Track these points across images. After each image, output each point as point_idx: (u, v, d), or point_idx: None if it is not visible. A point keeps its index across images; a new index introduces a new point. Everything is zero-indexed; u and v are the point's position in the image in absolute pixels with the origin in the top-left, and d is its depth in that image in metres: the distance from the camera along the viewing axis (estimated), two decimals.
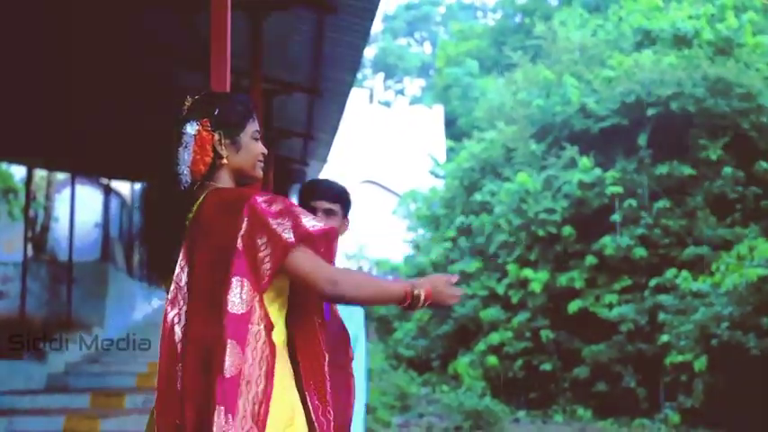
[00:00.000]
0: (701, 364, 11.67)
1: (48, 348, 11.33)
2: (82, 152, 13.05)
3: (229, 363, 2.30)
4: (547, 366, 14.51)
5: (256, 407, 2.29)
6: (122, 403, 9.48)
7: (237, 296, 2.33)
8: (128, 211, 19.60)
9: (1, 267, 13.26)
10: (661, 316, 12.88)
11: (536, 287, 14.71)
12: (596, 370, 13.88)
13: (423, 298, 2.44)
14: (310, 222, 2.37)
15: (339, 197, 3.42)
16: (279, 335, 2.42)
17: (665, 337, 12.61)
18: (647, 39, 16.57)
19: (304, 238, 2.34)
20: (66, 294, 13.06)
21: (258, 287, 2.34)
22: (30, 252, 14.56)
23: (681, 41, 15.80)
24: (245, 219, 2.34)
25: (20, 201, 16.30)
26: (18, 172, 16.90)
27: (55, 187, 17.43)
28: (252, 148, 2.57)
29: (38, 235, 16.46)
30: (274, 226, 2.32)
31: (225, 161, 2.51)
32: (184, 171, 2.47)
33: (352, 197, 3.54)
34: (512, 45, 24.49)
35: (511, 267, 15.30)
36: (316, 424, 2.45)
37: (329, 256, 2.42)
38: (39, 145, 12.59)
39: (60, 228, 16.72)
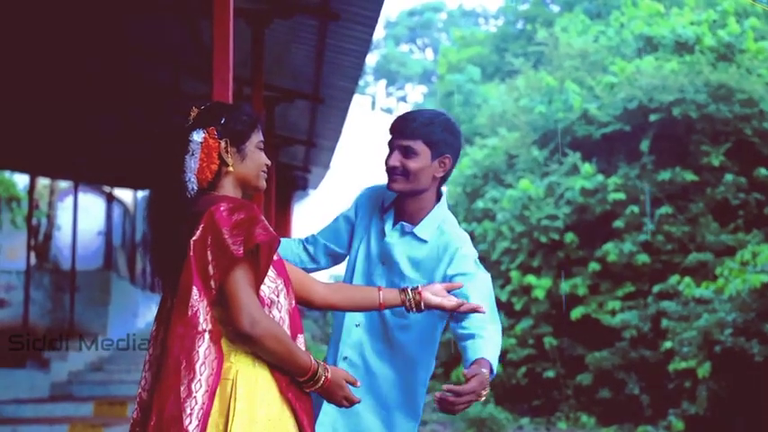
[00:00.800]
0: (704, 370, 11.64)
1: (51, 357, 11.36)
2: (84, 160, 13.09)
3: (168, 369, 2.32)
4: (550, 373, 14.49)
5: (194, 411, 2.29)
6: (125, 412, 9.52)
7: (184, 302, 2.34)
8: (130, 219, 19.63)
9: (4, 276, 13.29)
10: (664, 322, 12.85)
11: (539, 294, 14.70)
12: (600, 377, 13.85)
13: (321, 381, 2.45)
14: (259, 231, 2.35)
15: (418, 132, 2.91)
16: None
17: (668, 344, 12.58)
18: (648, 45, 16.57)
19: (252, 247, 2.33)
20: (69, 303, 13.09)
21: (207, 294, 2.35)
22: (33, 260, 14.60)
23: (682, 47, 15.80)
24: (201, 226, 2.35)
25: (23, 209, 16.35)
26: (21, 180, 16.93)
27: (57, 195, 17.47)
28: (256, 157, 2.60)
29: (41, 243, 16.50)
30: (226, 236, 2.32)
31: (230, 169, 2.54)
32: (191, 178, 2.49)
33: (448, 134, 2.96)
34: (513, 51, 24.52)
35: (514, 274, 15.28)
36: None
37: (265, 266, 2.40)
38: (41, 153, 12.62)
39: (63, 236, 16.76)
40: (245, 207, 2.39)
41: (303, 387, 2.45)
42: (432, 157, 2.92)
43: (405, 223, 3.04)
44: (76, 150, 12.48)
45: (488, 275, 2.98)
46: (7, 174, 16.55)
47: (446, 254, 2.95)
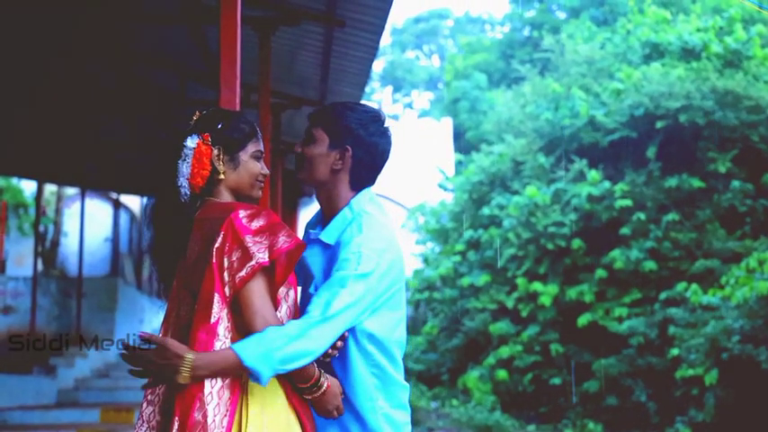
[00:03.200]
0: (711, 377, 11.61)
1: (57, 363, 11.38)
2: (91, 166, 13.11)
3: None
4: (557, 380, 14.46)
5: (218, 418, 2.29)
6: (132, 418, 9.51)
7: (206, 309, 2.35)
8: (137, 225, 19.66)
9: (11, 282, 13.32)
10: (671, 329, 12.83)
11: (545, 301, 14.68)
12: (606, 384, 13.83)
13: (323, 389, 2.45)
14: (283, 239, 2.36)
15: (321, 118, 2.72)
16: None
17: (675, 351, 12.56)
18: (655, 51, 16.57)
19: (278, 256, 2.35)
20: (76, 309, 13.11)
21: (226, 301, 2.36)
22: (40, 267, 14.62)
23: (689, 54, 15.80)
24: (222, 233, 2.35)
25: (30, 216, 16.40)
26: (28, 187, 16.98)
27: (64, 202, 17.50)
28: (251, 167, 2.57)
29: (48, 250, 16.53)
30: (249, 244, 2.33)
31: (222, 177, 2.52)
32: (183, 183, 2.49)
33: (356, 126, 2.69)
34: (520, 58, 24.53)
35: (520, 281, 15.27)
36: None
37: (287, 272, 2.41)
38: (49, 159, 12.65)
39: (70, 242, 16.79)
40: (265, 213, 2.39)
41: (304, 393, 2.46)
42: (329, 146, 2.68)
43: (312, 231, 2.78)
44: (84, 157, 12.51)
45: (350, 275, 2.50)
46: (14, 180, 16.60)
47: (336, 258, 2.59)
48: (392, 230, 2.73)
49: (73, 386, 11.35)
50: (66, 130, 11.20)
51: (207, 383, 2.30)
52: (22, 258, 16.17)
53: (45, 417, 9.75)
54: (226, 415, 2.30)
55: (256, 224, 2.36)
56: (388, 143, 2.79)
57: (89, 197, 15.80)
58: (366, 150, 2.71)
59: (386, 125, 2.79)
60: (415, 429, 13.30)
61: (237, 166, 2.54)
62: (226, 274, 2.33)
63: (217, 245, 2.34)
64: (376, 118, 2.75)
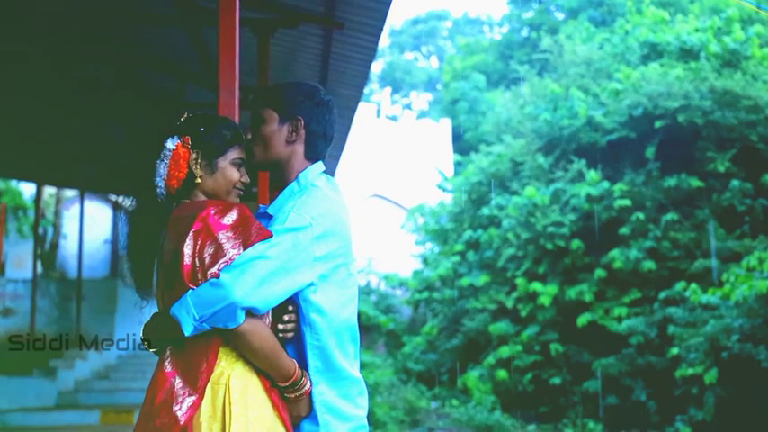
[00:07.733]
0: (711, 376, 11.63)
1: (57, 365, 11.39)
2: (91, 169, 13.11)
3: (168, 362, 2.43)
4: (557, 380, 14.47)
5: (185, 403, 2.36)
6: (132, 419, 9.52)
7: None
8: None
9: (11, 284, 13.31)
10: (671, 329, 12.85)
11: (545, 300, 14.69)
12: (606, 383, 13.84)
13: (305, 388, 2.45)
14: (256, 231, 2.38)
15: (264, 98, 2.72)
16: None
17: (675, 350, 12.58)
18: (653, 52, 16.60)
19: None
20: (76, 311, 13.11)
21: None
22: (39, 269, 14.62)
23: (687, 54, 15.82)
24: (192, 231, 2.36)
25: (29, 218, 16.39)
26: (27, 189, 16.98)
27: (64, 204, 17.49)
28: (229, 174, 2.56)
29: (47, 252, 16.52)
30: (222, 240, 2.35)
31: (198, 181, 2.52)
32: (160, 184, 2.51)
33: (299, 96, 2.71)
34: (518, 59, 24.57)
35: (519, 281, 15.28)
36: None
37: None
38: (48, 162, 12.65)
39: (69, 244, 16.78)
40: (235, 207, 2.40)
41: (285, 392, 2.45)
42: (280, 121, 2.67)
43: (262, 205, 2.79)
44: (83, 159, 12.51)
45: (274, 230, 2.46)
46: (14, 183, 16.60)
47: None
48: (338, 204, 2.68)
49: (73, 388, 11.36)
50: (64, 133, 11.20)
51: (177, 375, 2.38)
52: (22, 261, 16.16)
53: (45, 418, 9.76)
54: (191, 402, 2.33)
55: (229, 219, 2.37)
56: (332, 112, 2.79)
57: (88, 199, 15.80)
58: (316, 119, 2.71)
59: (327, 96, 2.78)
60: (416, 429, 13.31)
61: (215, 172, 2.54)
62: (199, 273, 2.35)
63: (187, 243, 2.35)
64: (316, 89, 2.76)
